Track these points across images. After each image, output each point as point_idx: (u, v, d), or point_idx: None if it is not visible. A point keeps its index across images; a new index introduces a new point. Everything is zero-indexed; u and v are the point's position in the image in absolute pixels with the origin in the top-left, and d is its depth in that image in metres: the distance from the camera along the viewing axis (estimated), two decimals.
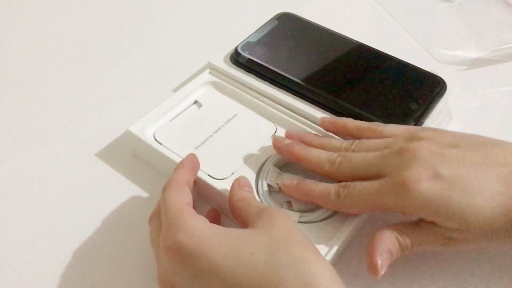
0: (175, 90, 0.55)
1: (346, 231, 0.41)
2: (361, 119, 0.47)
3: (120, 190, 0.47)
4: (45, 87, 0.58)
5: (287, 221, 0.35)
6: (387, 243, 0.37)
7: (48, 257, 0.42)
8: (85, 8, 0.69)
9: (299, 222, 0.42)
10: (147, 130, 0.48)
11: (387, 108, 0.48)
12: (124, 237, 0.44)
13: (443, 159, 0.37)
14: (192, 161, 0.42)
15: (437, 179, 0.36)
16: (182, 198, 0.36)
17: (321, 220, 0.42)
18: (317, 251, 0.34)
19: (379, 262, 0.36)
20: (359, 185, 0.39)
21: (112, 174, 0.48)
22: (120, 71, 0.60)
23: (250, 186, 0.41)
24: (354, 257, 0.42)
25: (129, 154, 0.50)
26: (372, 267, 0.36)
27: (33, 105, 0.55)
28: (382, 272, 0.36)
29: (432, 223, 0.37)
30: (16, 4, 0.69)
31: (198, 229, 0.34)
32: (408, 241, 0.37)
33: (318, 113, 0.48)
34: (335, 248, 0.39)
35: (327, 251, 0.39)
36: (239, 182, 0.40)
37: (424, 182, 0.36)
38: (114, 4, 0.69)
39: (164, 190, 0.38)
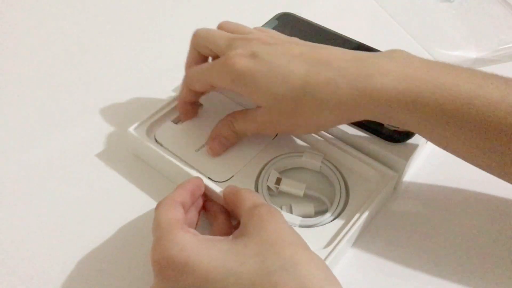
0: (176, 90, 0.55)
1: (347, 235, 0.41)
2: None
3: (120, 191, 0.47)
4: (45, 87, 0.57)
5: (276, 222, 0.35)
6: (221, 130, 0.46)
7: (48, 257, 0.42)
8: (85, 8, 0.69)
9: (300, 226, 0.42)
10: (148, 131, 0.48)
11: None
12: (123, 238, 0.43)
13: (264, 43, 0.42)
14: (194, 184, 0.41)
15: (252, 58, 0.41)
16: (174, 215, 0.36)
17: (322, 225, 0.42)
18: (309, 250, 0.34)
19: (213, 145, 0.46)
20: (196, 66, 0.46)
21: (112, 175, 0.48)
22: (121, 70, 0.60)
23: None
24: (355, 259, 0.43)
25: (129, 155, 0.50)
26: (209, 150, 0.46)
27: (33, 105, 0.55)
28: (218, 154, 0.46)
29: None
30: (16, 4, 0.69)
31: (187, 242, 0.33)
32: (239, 126, 0.45)
33: None
34: (335, 253, 0.40)
35: (327, 255, 0.39)
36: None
37: (240, 58, 0.41)
38: (114, 4, 0.69)
39: (157, 207, 0.37)
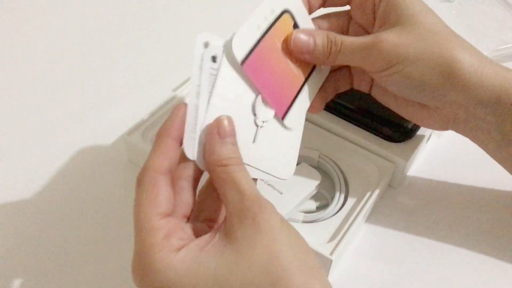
0: (175, 90, 0.55)
1: (350, 228, 0.41)
2: (362, 120, 0.47)
3: (115, 196, 0.46)
4: (38, 91, 0.57)
5: (271, 229, 0.29)
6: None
7: (43, 262, 0.42)
8: (83, 9, 0.69)
9: (303, 222, 0.42)
10: (143, 136, 0.47)
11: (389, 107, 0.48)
12: (119, 244, 0.43)
13: None
14: (179, 123, 0.32)
15: None
16: (156, 210, 0.30)
17: (324, 219, 0.42)
18: (303, 269, 0.29)
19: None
20: None
21: (107, 181, 0.48)
22: (119, 72, 0.60)
23: (233, 133, 0.32)
24: (358, 253, 0.43)
25: (125, 160, 0.49)
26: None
27: (27, 109, 0.55)
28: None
29: None
30: (15, 5, 0.69)
31: (169, 267, 0.29)
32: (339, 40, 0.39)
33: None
34: (340, 247, 0.40)
35: (332, 249, 0.39)
36: (218, 130, 0.32)
37: None
38: (112, 6, 0.69)
39: (137, 185, 0.31)
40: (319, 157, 0.46)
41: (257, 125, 0.35)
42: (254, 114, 0.35)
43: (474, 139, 0.41)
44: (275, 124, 0.36)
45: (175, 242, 0.30)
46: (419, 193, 0.48)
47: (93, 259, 0.42)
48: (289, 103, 0.37)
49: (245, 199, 0.30)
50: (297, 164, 0.44)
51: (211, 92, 0.32)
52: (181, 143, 0.32)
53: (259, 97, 0.35)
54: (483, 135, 0.40)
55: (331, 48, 0.39)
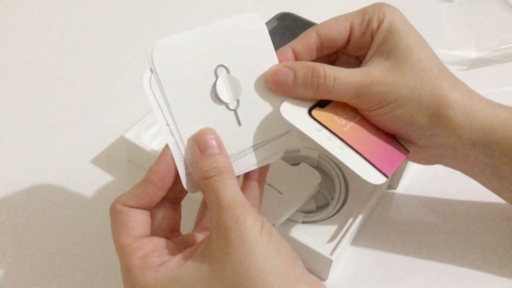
0: None
1: (350, 228, 0.41)
2: None
3: (116, 196, 0.45)
4: (38, 92, 0.57)
5: (244, 241, 0.28)
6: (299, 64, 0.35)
7: (42, 262, 0.42)
8: (84, 9, 0.69)
9: (302, 222, 0.42)
10: (143, 136, 0.47)
11: None
12: None
13: None
14: (161, 170, 0.32)
15: None
16: (130, 236, 0.31)
17: (324, 219, 0.42)
18: (279, 280, 0.28)
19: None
20: None
21: (108, 181, 0.48)
22: (119, 72, 0.60)
23: (213, 143, 0.32)
24: (358, 253, 0.43)
25: (125, 160, 0.49)
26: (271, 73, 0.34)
27: (27, 110, 0.55)
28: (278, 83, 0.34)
29: None
30: (16, 6, 0.69)
31: None
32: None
33: None
34: (340, 247, 0.39)
35: (332, 249, 0.39)
36: (198, 145, 0.32)
37: None
38: (112, 6, 0.69)
39: (110, 214, 0.33)
40: (319, 157, 0.46)
41: (232, 109, 0.34)
42: (222, 102, 0.34)
43: (463, 172, 0.40)
44: (247, 93, 0.34)
45: (153, 260, 0.30)
46: (419, 193, 0.48)
47: (92, 260, 0.42)
48: None
49: (221, 209, 0.29)
50: (297, 164, 0.45)
51: (173, 119, 0.33)
52: (162, 186, 0.32)
53: (217, 82, 0.33)
54: (474, 171, 0.39)
55: (318, 82, 0.35)
